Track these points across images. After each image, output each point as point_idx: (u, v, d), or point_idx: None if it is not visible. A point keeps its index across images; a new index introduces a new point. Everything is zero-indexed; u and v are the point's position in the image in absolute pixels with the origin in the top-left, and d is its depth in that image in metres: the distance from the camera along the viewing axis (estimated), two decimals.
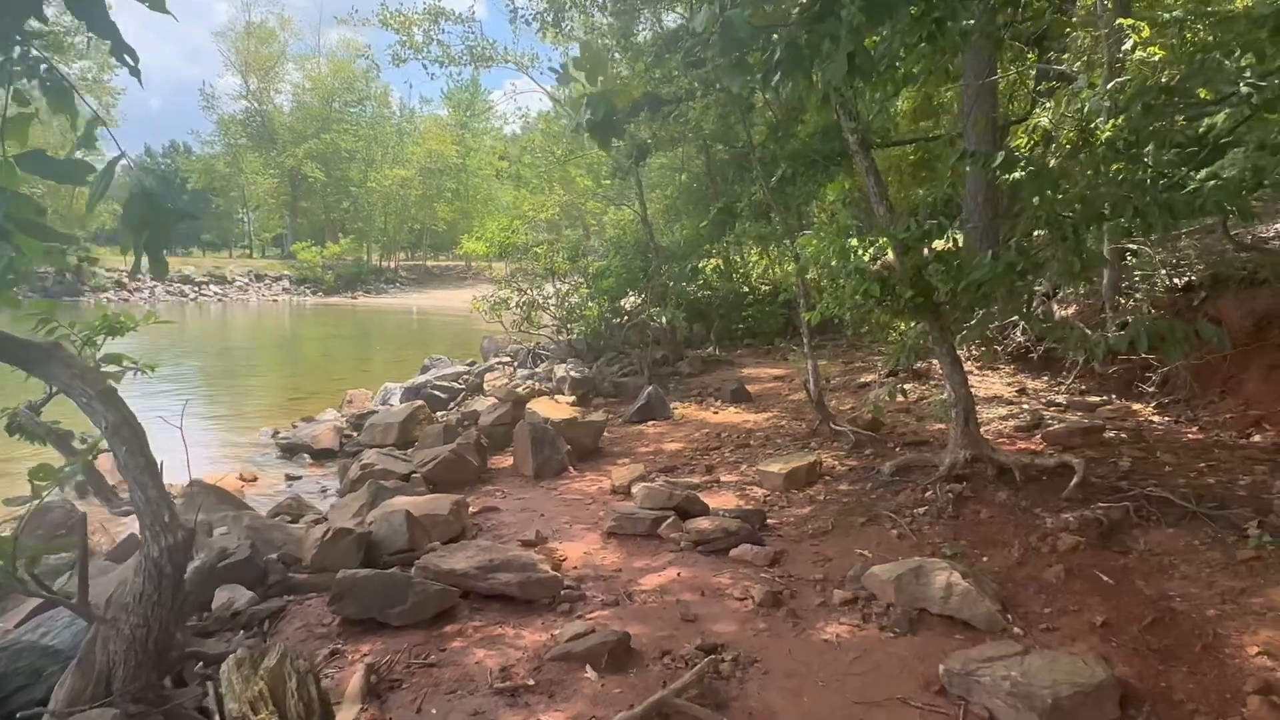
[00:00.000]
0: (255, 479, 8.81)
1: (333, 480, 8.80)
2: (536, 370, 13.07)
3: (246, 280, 55.72)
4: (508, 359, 14.47)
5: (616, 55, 16.93)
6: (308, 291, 56.11)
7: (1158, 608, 4.27)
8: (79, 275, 48.60)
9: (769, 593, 4.55)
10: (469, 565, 4.67)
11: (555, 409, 8.91)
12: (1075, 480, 5.91)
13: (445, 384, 12.20)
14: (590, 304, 12.41)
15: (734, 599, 4.62)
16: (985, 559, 5.12)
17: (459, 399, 11.82)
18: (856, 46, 3.64)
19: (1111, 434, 7.61)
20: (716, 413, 10.52)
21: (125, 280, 50.08)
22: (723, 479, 7.46)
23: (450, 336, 26.61)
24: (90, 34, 2.50)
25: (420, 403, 10.17)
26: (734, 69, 3.76)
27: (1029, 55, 14.17)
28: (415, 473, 7.62)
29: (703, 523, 5.69)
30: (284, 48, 63.11)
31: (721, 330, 15.39)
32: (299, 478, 8.97)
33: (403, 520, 5.41)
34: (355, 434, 10.14)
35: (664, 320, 12.21)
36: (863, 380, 11.53)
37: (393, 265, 65.94)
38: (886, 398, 7.11)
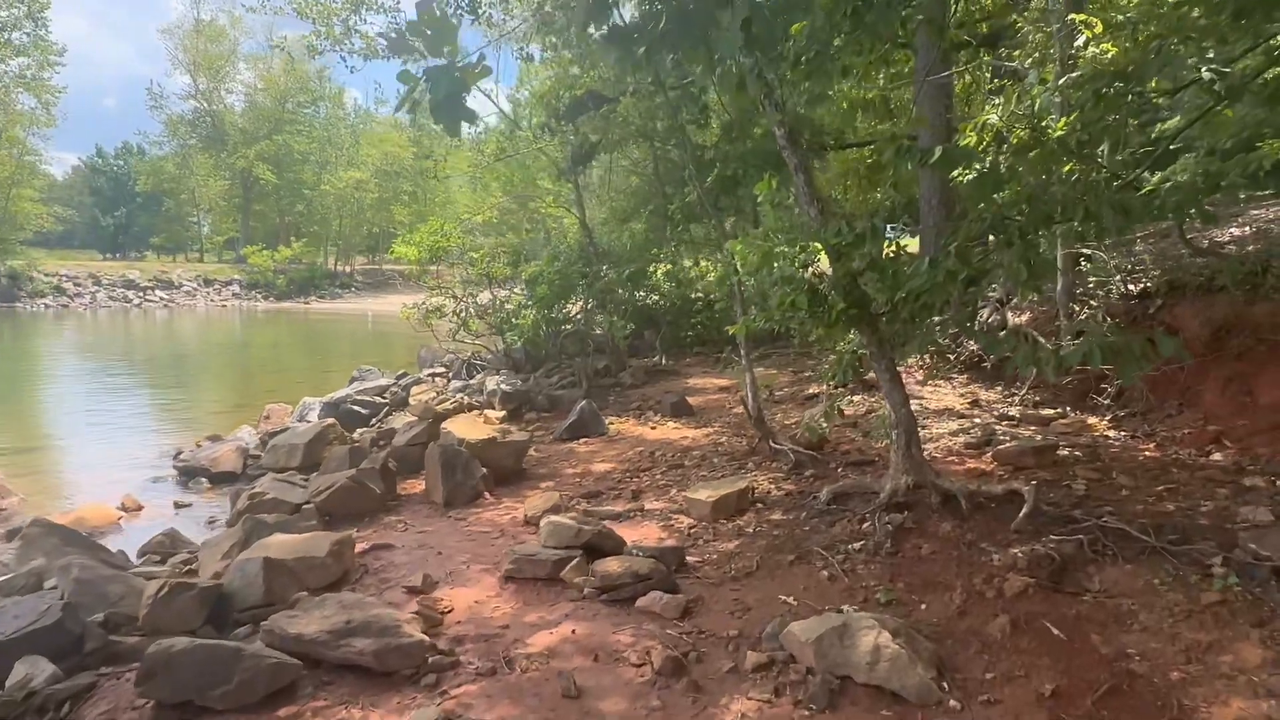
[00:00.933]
0: (139, 508, 7.99)
1: (227, 509, 8.01)
2: (470, 382, 12.34)
3: (195, 285, 53.98)
4: (443, 370, 13.70)
5: (566, 53, 16.27)
6: (259, 296, 54.49)
7: (1114, 670, 3.70)
8: (15, 280, 46.67)
9: (671, 657, 3.90)
10: (320, 629, 3.96)
11: (474, 428, 8.21)
12: (1025, 510, 5.36)
13: (367, 399, 11.41)
14: (525, 311, 11.70)
15: (630, 665, 3.96)
16: (923, 606, 4.53)
17: (381, 415, 11.05)
18: (753, 14, 3.02)
19: (1065, 452, 7.11)
20: (654, 428, 9.88)
21: (64, 285, 48.24)
22: (648, 506, 6.81)
23: (403, 343, 25.62)
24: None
25: (330, 421, 9.38)
26: (609, 41, 3.13)
27: (983, 55, 13.78)
28: (309, 502, 6.88)
29: (612, 564, 5.03)
30: (235, 46, 61.42)
31: (670, 338, 14.76)
32: (188, 505, 8.16)
33: (258, 569, 4.68)
34: (263, 454, 9.32)
35: (606, 328, 11.54)
36: (811, 391, 10.98)
37: (349, 269, 64.49)
38: (823, 420, 6.52)
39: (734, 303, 7.67)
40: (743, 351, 8.24)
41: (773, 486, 7.03)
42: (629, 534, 6.09)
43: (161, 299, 50.46)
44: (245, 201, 64.12)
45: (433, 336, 13.03)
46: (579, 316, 12.06)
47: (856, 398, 10.02)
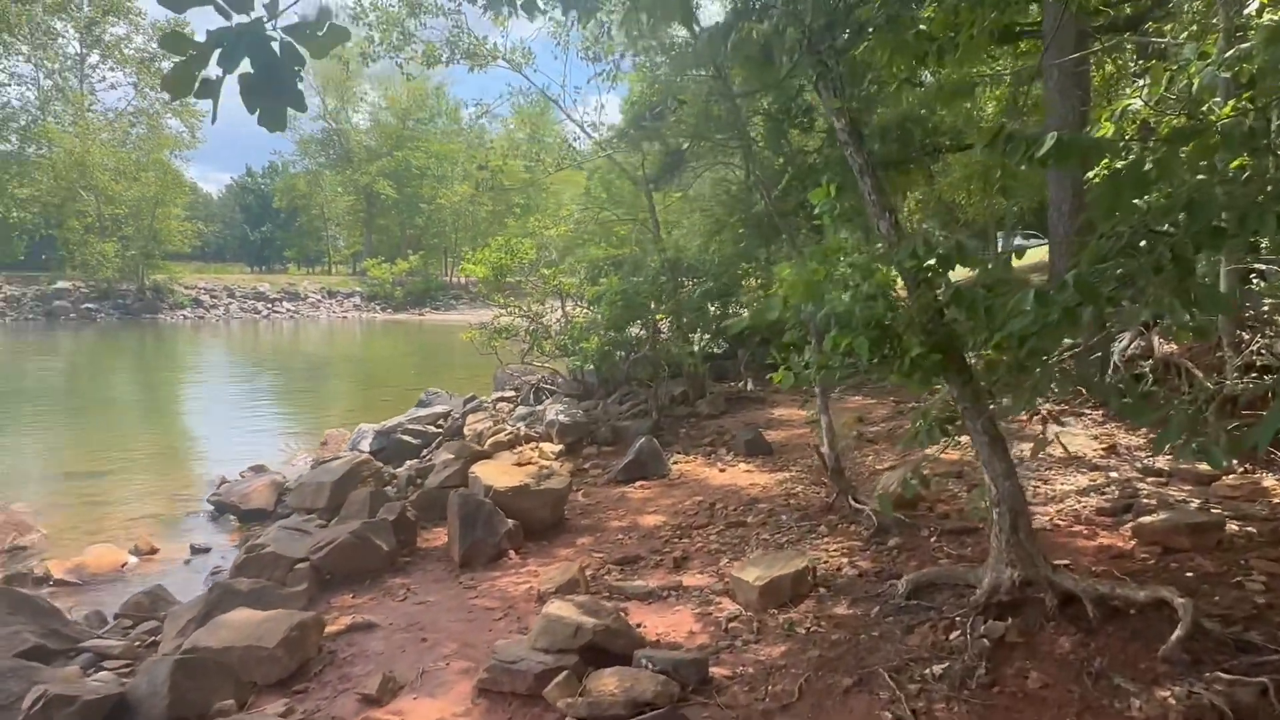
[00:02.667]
0: (154, 551, 7.44)
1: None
2: (537, 409, 11.46)
3: (319, 297, 56.36)
4: (513, 394, 12.91)
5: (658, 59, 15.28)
6: (377, 308, 56.35)
7: None
8: (158, 293, 49.86)
9: None
10: None
11: (505, 472, 7.26)
12: (1179, 632, 3.89)
13: (419, 428, 10.69)
14: (591, 333, 10.74)
15: None
16: None
17: (433, 446, 10.29)
18: None
19: (1234, 528, 5.49)
20: (723, 470, 8.68)
21: (201, 297, 51.22)
22: (689, 581, 5.65)
23: (505, 358, 25.33)
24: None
25: (364, 457, 8.66)
26: None
27: (1125, 38, 11.91)
28: (308, 559, 6.08)
29: (609, 683, 3.92)
30: (359, 68, 63.88)
31: (758, 361, 13.45)
32: (205, 550, 7.55)
33: (165, 675, 3.82)
34: (290, 493, 8.68)
35: (678, 352, 10.43)
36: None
37: (464, 280, 65.91)
38: (900, 488, 5.20)
39: (803, 333, 6.41)
40: (817, 390, 6.97)
41: (845, 560, 5.73)
42: (655, 622, 4.97)
43: (288, 310, 52.83)
44: (368, 216, 66.66)
45: (497, 359, 12.30)
46: (649, 339, 10.97)
47: (963, 439, 8.52)
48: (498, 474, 7.16)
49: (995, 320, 3.63)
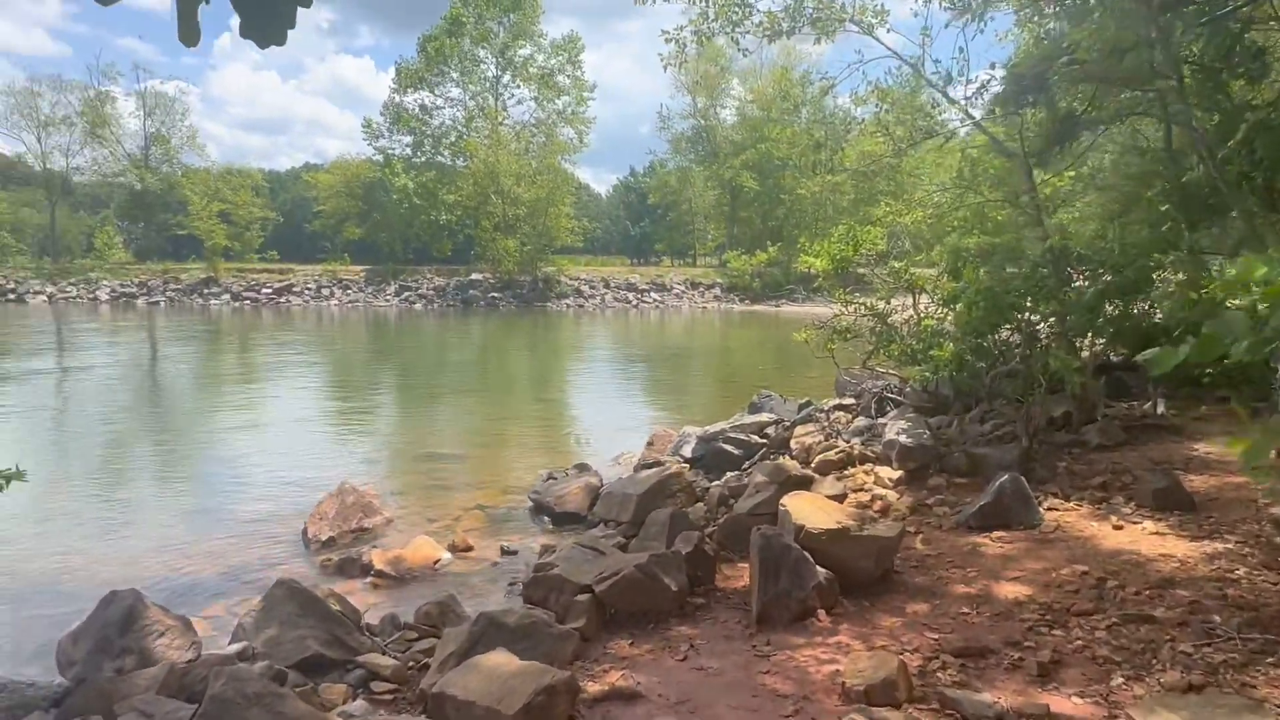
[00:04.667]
0: (469, 548, 7.44)
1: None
2: (878, 423, 9.98)
3: (683, 288, 59.09)
4: (851, 402, 11.49)
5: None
6: (735, 299, 57.58)
7: None
8: (547, 284, 56.03)
9: None
10: None
11: (820, 509, 6.01)
12: None
13: (743, 437, 9.76)
14: (942, 339, 8.96)
15: None
16: None
17: (756, 458, 9.31)
18: None
19: None
20: (1119, 527, 6.55)
21: (581, 288, 56.52)
22: (1060, 705, 3.98)
23: (843, 359, 23.90)
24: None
25: (676, 468, 7.97)
26: None
27: None
28: (592, 588, 5.48)
29: None
30: (728, 64, 65.56)
31: (1177, 375, 10.49)
32: (514, 553, 7.38)
33: None
34: (599, 501, 8.27)
35: (1056, 365, 8.25)
36: None
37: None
38: None
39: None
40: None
41: None
42: None
43: (654, 301, 56.17)
44: (732, 209, 68.41)
45: (834, 362, 11.01)
46: (1023, 346, 8.85)
47: None
48: (811, 510, 5.98)
49: None
